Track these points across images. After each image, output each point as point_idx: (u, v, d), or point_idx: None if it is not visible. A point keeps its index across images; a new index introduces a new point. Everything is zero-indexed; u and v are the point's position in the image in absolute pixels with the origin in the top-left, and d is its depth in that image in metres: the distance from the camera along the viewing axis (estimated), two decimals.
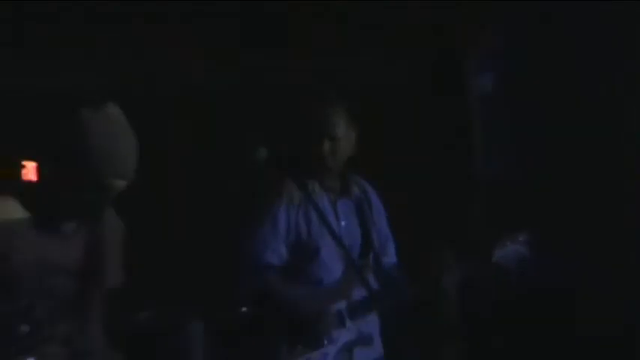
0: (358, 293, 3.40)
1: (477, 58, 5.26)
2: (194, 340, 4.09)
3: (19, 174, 3.40)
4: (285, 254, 3.48)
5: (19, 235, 2.57)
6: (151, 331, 4.00)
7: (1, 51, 4.68)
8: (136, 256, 2.87)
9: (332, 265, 3.50)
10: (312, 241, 3.47)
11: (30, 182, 2.82)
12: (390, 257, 3.68)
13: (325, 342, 3.38)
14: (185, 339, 4.06)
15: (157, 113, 4.80)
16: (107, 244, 2.77)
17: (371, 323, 3.52)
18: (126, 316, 3.08)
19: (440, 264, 3.46)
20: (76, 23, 4.79)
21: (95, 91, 2.80)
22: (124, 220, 2.81)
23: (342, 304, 3.45)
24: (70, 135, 2.51)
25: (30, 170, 3.23)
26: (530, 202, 4.78)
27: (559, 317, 4.69)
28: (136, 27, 4.89)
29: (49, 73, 4.88)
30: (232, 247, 3.55)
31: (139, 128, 2.59)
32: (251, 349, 3.52)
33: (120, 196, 2.61)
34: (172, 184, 4.90)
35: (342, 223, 3.54)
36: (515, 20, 4.93)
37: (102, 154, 2.50)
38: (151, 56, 4.99)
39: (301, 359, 3.33)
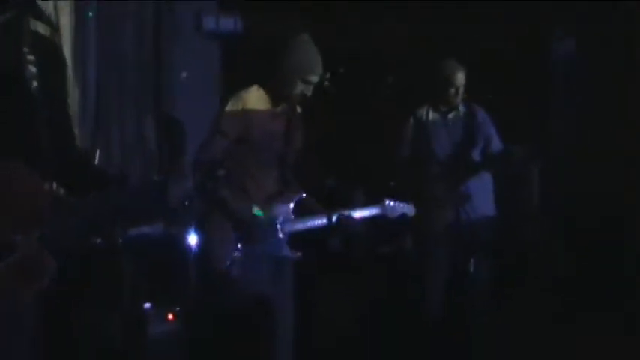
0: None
1: None
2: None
3: None
4: (409, 148, 5.65)
5: (261, 117, 4.29)
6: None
7: None
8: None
9: (443, 152, 5.58)
10: (428, 139, 5.60)
11: None
12: (494, 145, 5.58)
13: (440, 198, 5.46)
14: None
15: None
16: (295, 119, 4.44)
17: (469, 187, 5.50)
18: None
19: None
20: None
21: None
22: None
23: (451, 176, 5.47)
24: (286, 54, 4.29)
25: None
26: None
27: None
28: None
29: None
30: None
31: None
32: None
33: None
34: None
35: (450, 128, 5.59)
36: None
37: (303, 61, 4.25)
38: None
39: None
